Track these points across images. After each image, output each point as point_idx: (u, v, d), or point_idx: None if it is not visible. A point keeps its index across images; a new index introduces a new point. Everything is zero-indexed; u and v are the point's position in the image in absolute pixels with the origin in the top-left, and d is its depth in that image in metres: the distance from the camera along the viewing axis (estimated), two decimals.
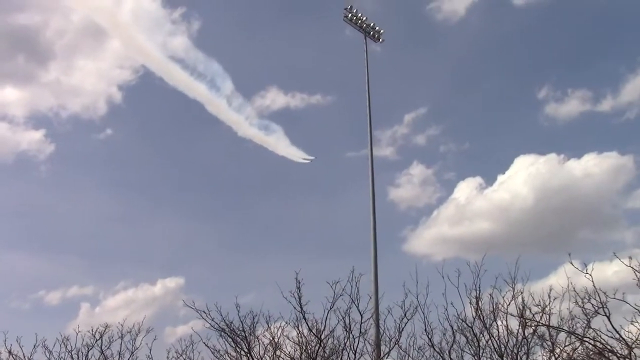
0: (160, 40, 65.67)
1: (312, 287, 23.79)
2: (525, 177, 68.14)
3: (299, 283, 22.30)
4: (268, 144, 55.71)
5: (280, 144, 54.21)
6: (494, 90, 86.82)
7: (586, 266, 19.82)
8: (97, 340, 22.07)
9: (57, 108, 74.59)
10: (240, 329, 22.39)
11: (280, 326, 22.86)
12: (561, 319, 21.85)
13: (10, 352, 20.95)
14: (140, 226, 76.88)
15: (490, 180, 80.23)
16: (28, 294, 69.51)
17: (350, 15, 43.16)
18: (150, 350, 22.07)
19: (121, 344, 22.25)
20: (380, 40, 44.28)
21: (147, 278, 69.20)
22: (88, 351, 22.03)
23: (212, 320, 22.25)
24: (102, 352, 22.18)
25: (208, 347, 22.23)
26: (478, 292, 22.56)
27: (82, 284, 68.60)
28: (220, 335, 22.38)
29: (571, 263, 20.20)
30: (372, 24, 43.66)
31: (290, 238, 74.58)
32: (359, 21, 43.30)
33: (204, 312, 22.15)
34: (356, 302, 22.48)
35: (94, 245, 74.30)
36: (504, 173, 71.23)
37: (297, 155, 52.63)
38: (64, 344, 21.57)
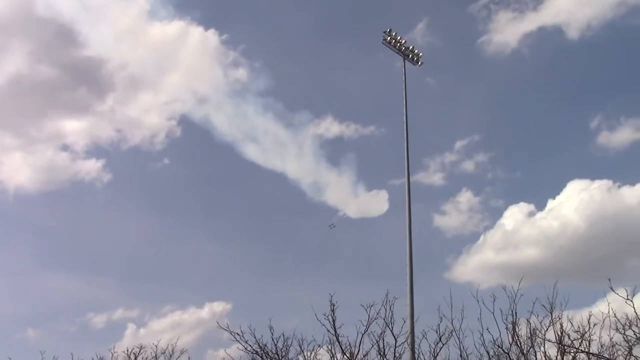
0: (220, 74, 68.53)
1: (347, 311, 23.78)
2: (577, 203, 66.30)
3: (334, 306, 22.39)
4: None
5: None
6: (546, 120, 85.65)
7: (633, 295, 19.45)
8: None
9: (117, 141, 77.31)
10: (274, 351, 22.46)
11: (313, 349, 22.88)
12: (601, 346, 21.33)
13: None
14: (184, 250, 77.62)
15: (539, 207, 78.31)
16: (76, 317, 70.20)
17: (389, 38, 43.45)
18: None
19: None
20: (420, 63, 44.36)
21: (194, 302, 69.49)
22: None
23: (247, 342, 22.42)
24: None
25: None
26: (514, 317, 22.19)
27: (128, 306, 69.46)
28: (253, 358, 22.50)
29: (611, 289, 19.79)
30: (410, 47, 43.82)
31: (331, 262, 73.74)
32: (398, 44, 43.50)
33: (237, 334, 22.35)
34: (390, 326, 22.42)
35: (138, 268, 75.43)
36: (554, 199, 69.29)
37: None
38: None
